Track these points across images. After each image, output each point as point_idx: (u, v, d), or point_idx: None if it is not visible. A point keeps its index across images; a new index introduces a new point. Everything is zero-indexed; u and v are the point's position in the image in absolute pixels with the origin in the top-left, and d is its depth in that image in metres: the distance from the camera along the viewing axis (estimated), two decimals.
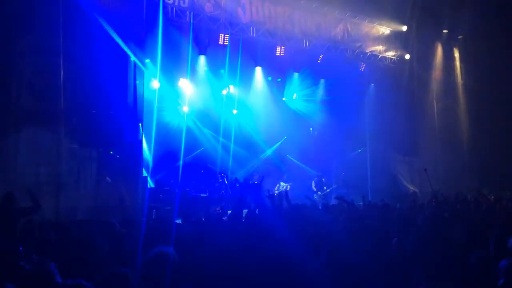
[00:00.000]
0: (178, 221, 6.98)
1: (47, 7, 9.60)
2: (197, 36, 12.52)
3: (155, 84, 15.05)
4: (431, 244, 2.61)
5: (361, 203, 9.66)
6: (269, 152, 17.45)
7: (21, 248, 3.47)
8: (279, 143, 17.69)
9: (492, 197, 9.86)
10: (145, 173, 13.88)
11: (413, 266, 2.99)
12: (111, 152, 11.02)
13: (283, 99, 17.54)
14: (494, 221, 4.70)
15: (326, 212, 6.99)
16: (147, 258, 2.94)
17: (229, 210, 12.37)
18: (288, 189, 15.21)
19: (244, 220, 4.13)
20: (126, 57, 11.15)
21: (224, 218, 6.65)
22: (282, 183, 15.44)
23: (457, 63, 19.25)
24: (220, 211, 11.28)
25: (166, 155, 15.59)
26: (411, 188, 16.54)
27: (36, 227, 6.25)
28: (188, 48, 13.01)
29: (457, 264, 2.68)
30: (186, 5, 12.14)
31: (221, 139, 16.78)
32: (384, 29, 16.62)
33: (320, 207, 8.53)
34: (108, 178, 10.30)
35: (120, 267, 3.10)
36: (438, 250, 2.58)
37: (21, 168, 9.35)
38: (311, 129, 17.65)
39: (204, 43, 12.61)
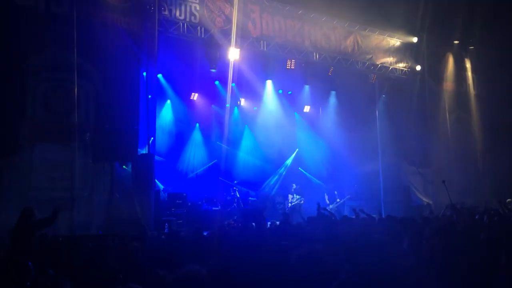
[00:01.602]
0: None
1: (60, 24, 9.79)
2: (208, 50, 12.63)
3: (168, 98, 15.27)
4: (443, 257, 2.58)
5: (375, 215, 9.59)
6: (288, 163, 17.59)
7: (30, 263, 3.48)
8: (293, 155, 17.74)
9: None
10: (161, 186, 14.01)
11: (429, 279, 2.96)
12: (124, 166, 11.11)
13: (294, 113, 17.62)
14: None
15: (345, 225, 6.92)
16: (176, 276, 2.89)
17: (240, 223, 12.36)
18: (302, 202, 15.18)
19: (255, 235, 4.11)
20: (139, 72, 11.30)
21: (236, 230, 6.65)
22: (296, 195, 15.38)
23: (469, 73, 19.13)
24: (234, 223, 11.27)
25: (179, 168, 15.72)
26: (425, 200, 16.37)
27: (50, 241, 6.32)
28: (200, 62, 13.16)
29: (472, 278, 2.64)
30: (197, 20, 12.28)
31: (241, 153, 16.91)
32: (395, 41, 16.62)
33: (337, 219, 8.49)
34: (116, 194, 10.36)
35: (132, 282, 3.10)
36: (451, 264, 2.55)
37: (36, 183, 9.46)
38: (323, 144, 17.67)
39: (215, 58, 12.71)
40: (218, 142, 16.70)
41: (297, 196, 15.32)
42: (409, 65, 16.98)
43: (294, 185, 15.81)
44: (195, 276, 2.70)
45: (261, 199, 15.84)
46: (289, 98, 17.00)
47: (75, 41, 9.75)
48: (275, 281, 2.74)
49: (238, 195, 15.31)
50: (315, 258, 2.46)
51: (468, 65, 19.17)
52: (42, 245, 6.17)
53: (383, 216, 9.24)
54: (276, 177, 17.40)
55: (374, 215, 9.50)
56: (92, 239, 6.73)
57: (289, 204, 15.10)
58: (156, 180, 14.03)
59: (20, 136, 9.54)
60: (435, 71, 17.77)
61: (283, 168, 17.57)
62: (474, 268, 2.86)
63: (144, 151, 11.33)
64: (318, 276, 2.39)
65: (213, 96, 16.14)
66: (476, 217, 8.12)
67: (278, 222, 9.23)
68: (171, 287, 2.71)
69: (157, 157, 12.17)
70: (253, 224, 7.04)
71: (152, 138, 11.42)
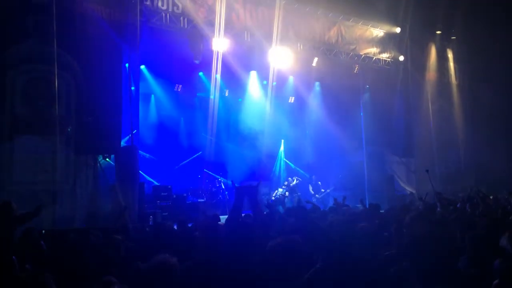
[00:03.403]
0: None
1: (40, 15, 9.59)
2: (191, 41, 12.52)
3: (151, 90, 15.14)
4: (422, 245, 2.62)
5: (359, 205, 9.69)
6: (282, 151, 17.74)
7: (15, 258, 3.45)
8: (282, 146, 17.87)
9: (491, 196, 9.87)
10: (148, 178, 13.95)
11: (406, 268, 3.00)
12: (107, 159, 11.01)
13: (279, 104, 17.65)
14: (486, 220, 4.72)
15: (323, 215, 6.98)
16: (147, 267, 2.89)
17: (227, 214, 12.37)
18: (287, 195, 15.25)
19: (240, 225, 4.11)
20: (121, 63, 11.16)
21: (220, 222, 6.64)
22: (279, 189, 15.45)
23: (451, 63, 19.36)
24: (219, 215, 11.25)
25: (163, 160, 15.62)
26: (408, 189, 16.59)
27: (32, 236, 6.24)
28: (183, 53, 13.03)
29: (449, 266, 2.68)
30: (180, 11, 12.16)
31: (226, 144, 16.88)
32: (378, 31, 16.69)
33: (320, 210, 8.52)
34: (99, 187, 10.28)
35: (114, 276, 3.08)
36: (430, 252, 2.59)
37: (17, 177, 9.30)
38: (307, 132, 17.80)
39: (199, 49, 12.60)
40: (203, 134, 16.63)
41: (281, 189, 15.37)
42: (393, 55, 17.09)
43: (290, 178, 15.96)
44: (166, 265, 2.70)
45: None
46: (273, 89, 16.97)
47: (55, 32, 9.55)
48: (247, 271, 2.76)
49: (223, 187, 15.31)
50: (290, 248, 2.48)
51: (450, 55, 19.39)
52: (24, 240, 6.09)
53: (367, 206, 9.32)
54: (283, 166, 17.61)
55: (358, 205, 9.62)
56: (75, 232, 6.66)
57: (273, 197, 15.13)
58: (148, 177, 14.06)
59: (0, 129, 9.36)
60: (418, 61, 17.92)
61: (282, 158, 17.76)
62: (451, 254, 2.92)
63: (123, 143, 11.23)
64: (293, 266, 2.41)
65: (198, 87, 16.03)
66: (458, 205, 8.26)
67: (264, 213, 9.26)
68: (142, 276, 2.70)
69: (140, 152, 12.06)
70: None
71: (135, 130, 11.33)
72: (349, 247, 2.97)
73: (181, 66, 14.13)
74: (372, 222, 5.25)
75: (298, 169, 17.57)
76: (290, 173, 16.99)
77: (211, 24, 12.67)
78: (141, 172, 12.46)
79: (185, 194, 14.13)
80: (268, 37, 13.88)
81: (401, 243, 2.99)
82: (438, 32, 18.58)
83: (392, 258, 3.08)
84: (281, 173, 17.68)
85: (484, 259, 3.31)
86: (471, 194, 9.99)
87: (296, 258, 2.41)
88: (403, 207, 7.41)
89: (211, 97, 16.57)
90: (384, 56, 16.89)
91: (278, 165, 17.86)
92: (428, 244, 2.75)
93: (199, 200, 14.43)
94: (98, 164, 10.56)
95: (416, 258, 2.64)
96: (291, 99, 17.44)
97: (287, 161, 17.81)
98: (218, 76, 15.27)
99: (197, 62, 13.19)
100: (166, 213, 12.00)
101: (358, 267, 2.55)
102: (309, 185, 16.02)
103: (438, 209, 7.69)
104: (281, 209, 11.29)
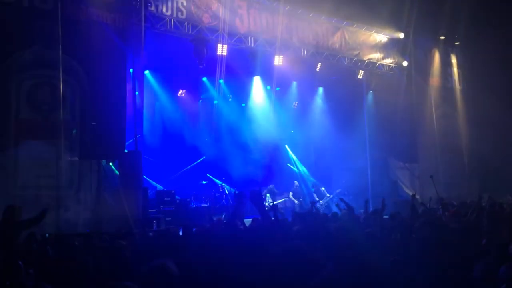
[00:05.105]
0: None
1: (46, 21, 9.66)
2: (195, 47, 12.56)
3: (155, 95, 15.18)
4: (430, 252, 2.60)
5: (362, 210, 9.67)
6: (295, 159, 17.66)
7: (20, 262, 3.45)
8: (290, 153, 17.82)
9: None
10: (153, 183, 13.96)
11: (414, 274, 2.98)
12: (110, 164, 11.03)
13: (282, 109, 17.64)
14: (496, 228, 4.70)
15: (331, 220, 6.96)
16: (144, 271, 2.89)
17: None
18: (275, 203, 15.14)
19: (244, 231, 4.10)
20: (125, 68, 11.21)
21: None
22: (267, 195, 15.35)
23: (455, 69, 19.33)
24: (225, 220, 11.23)
25: (167, 165, 15.63)
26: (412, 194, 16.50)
27: (36, 240, 6.25)
28: (187, 59, 13.08)
29: (459, 272, 2.67)
30: (184, 16, 12.20)
31: (230, 149, 16.85)
32: (382, 37, 16.69)
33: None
34: (104, 191, 10.29)
35: (120, 280, 3.07)
36: (438, 258, 2.57)
37: (21, 181, 9.34)
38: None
39: (203, 54, 12.64)
40: (206, 139, 16.65)
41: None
42: (396, 61, 17.09)
43: (296, 182, 15.91)
44: (163, 271, 2.69)
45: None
46: (277, 94, 16.99)
47: (60, 38, 9.63)
48: (253, 277, 2.74)
49: (227, 192, 15.29)
50: (297, 254, 2.47)
51: (454, 60, 19.36)
52: (28, 244, 6.09)
53: (370, 210, 9.31)
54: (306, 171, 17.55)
55: (361, 210, 9.59)
56: (78, 237, 6.67)
57: (271, 203, 15.01)
58: (152, 182, 14.06)
59: (4, 134, 9.41)
60: (421, 66, 17.91)
61: (299, 166, 17.71)
62: (459, 261, 2.90)
63: (131, 148, 11.25)
64: (300, 272, 2.39)
65: (201, 92, 16.07)
66: (461, 210, 8.20)
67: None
68: (141, 281, 2.69)
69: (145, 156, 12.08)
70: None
71: (139, 135, 11.35)
72: (356, 252, 2.95)
73: (185, 71, 14.17)
74: (377, 227, 5.24)
75: (303, 173, 17.54)
76: (296, 178, 16.88)
77: (215, 29, 12.72)
78: (145, 177, 12.46)
79: (188, 199, 14.11)
80: (272, 42, 13.91)
81: (409, 248, 2.98)
82: (442, 37, 18.56)
83: (399, 264, 3.06)
84: (300, 179, 17.44)
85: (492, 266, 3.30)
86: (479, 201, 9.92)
87: (303, 264, 2.40)
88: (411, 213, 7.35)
89: (215, 102, 16.62)
90: (388, 61, 16.89)
91: (296, 170, 17.71)
92: (437, 250, 2.73)
93: (202, 205, 14.40)
94: (102, 169, 10.57)
95: (425, 264, 2.62)
96: (295, 104, 17.44)
97: (291, 166, 17.76)
98: (222, 81, 15.32)
99: (201, 67, 13.23)
100: (170, 218, 11.98)
101: (366, 273, 2.54)
102: (313, 191, 15.98)
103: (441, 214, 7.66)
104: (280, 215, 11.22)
